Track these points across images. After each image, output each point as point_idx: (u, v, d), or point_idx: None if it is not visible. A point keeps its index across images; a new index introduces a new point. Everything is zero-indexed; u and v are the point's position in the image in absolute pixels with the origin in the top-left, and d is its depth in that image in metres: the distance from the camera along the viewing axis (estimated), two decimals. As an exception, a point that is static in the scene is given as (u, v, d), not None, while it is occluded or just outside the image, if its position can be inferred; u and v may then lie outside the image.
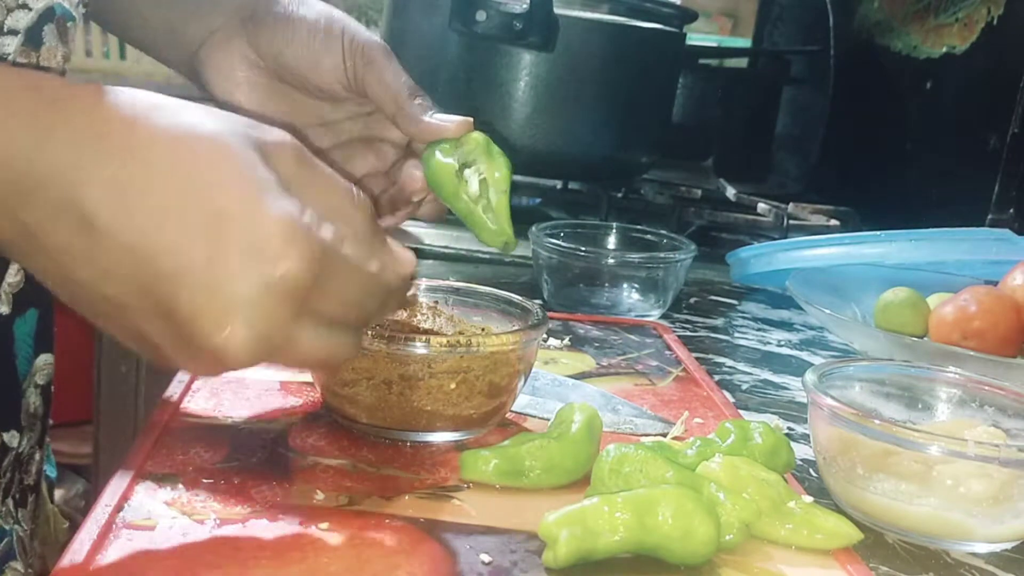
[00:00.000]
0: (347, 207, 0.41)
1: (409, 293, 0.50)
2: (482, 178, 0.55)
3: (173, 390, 0.56)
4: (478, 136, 0.56)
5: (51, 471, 0.68)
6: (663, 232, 0.91)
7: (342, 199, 0.41)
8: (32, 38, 0.53)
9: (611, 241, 0.90)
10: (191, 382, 0.57)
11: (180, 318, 0.36)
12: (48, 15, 0.54)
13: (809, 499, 0.48)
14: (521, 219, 1.05)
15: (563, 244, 0.82)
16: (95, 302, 0.38)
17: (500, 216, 0.56)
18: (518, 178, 1.21)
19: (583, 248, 0.82)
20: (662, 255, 0.84)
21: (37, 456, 0.63)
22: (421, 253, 0.97)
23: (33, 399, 0.61)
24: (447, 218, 0.59)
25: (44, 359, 0.62)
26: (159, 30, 0.63)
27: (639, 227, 0.91)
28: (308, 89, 0.59)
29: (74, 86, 0.38)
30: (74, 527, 0.41)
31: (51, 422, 0.65)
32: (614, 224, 0.91)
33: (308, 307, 0.38)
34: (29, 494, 0.62)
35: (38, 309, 0.60)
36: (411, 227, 1.01)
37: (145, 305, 0.37)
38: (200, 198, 0.36)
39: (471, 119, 0.56)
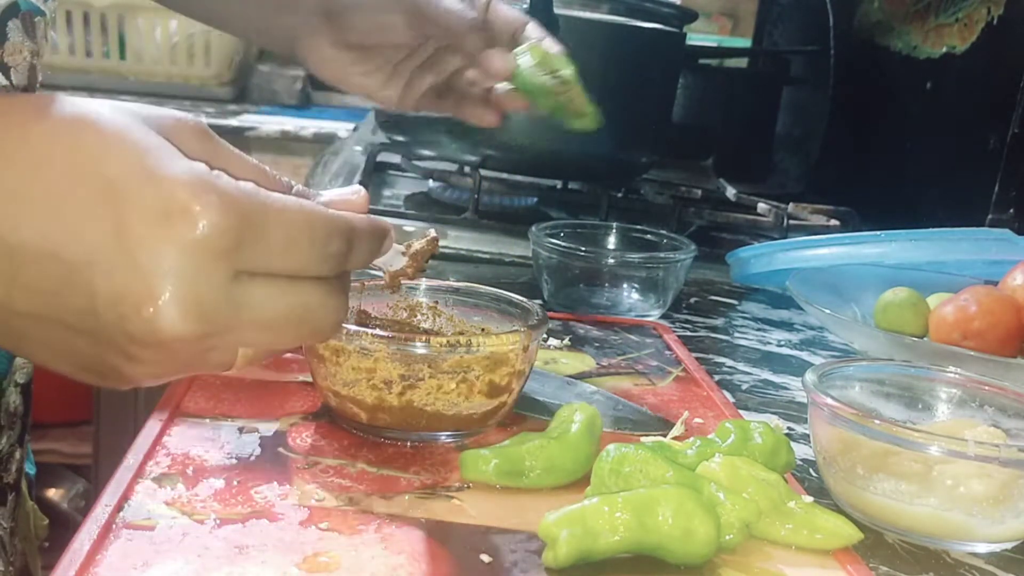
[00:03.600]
0: (260, 176, 0.38)
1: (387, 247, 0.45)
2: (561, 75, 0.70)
3: (173, 390, 0.56)
4: (541, 48, 0.70)
5: (30, 468, 0.69)
6: (663, 232, 0.90)
7: (255, 170, 0.38)
8: None
9: (611, 241, 0.90)
10: (191, 382, 0.57)
11: (102, 309, 0.33)
12: (12, 10, 0.53)
13: (809, 499, 0.48)
14: (521, 219, 1.06)
15: (563, 244, 0.82)
16: (13, 325, 0.34)
17: (581, 102, 0.71)
18: (518, 178, 1.21)
19: (583, 248, 0.82)
20: (662, 255, 0.83)
21: (17, 454, 0.63)
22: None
23: (13, 398, 0.61)
24: (449, 219, 0.59)
25: (23, 358, 0.62)
26: (249, 29, 0.75)
27: (639, 227, 0.90)
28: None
29: None
30: (74, 527, 0.41)
31: (31, 420, 0.65)
32: (614, 224, 0.91)
33: (248, 262, 0.34)
34: (9, 492, 0.62)
35: None
36: (411, 226, 1.01)
37: (63, 310, 0.34)
38: (90, 174, 0.33)
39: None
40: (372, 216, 0.42)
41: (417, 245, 0.52)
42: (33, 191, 0.33)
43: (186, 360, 0.35)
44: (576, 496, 0.47)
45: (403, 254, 0.51)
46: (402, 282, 0.52)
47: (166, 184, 0.33)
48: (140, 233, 0.32)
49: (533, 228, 0.84)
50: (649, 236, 0.89)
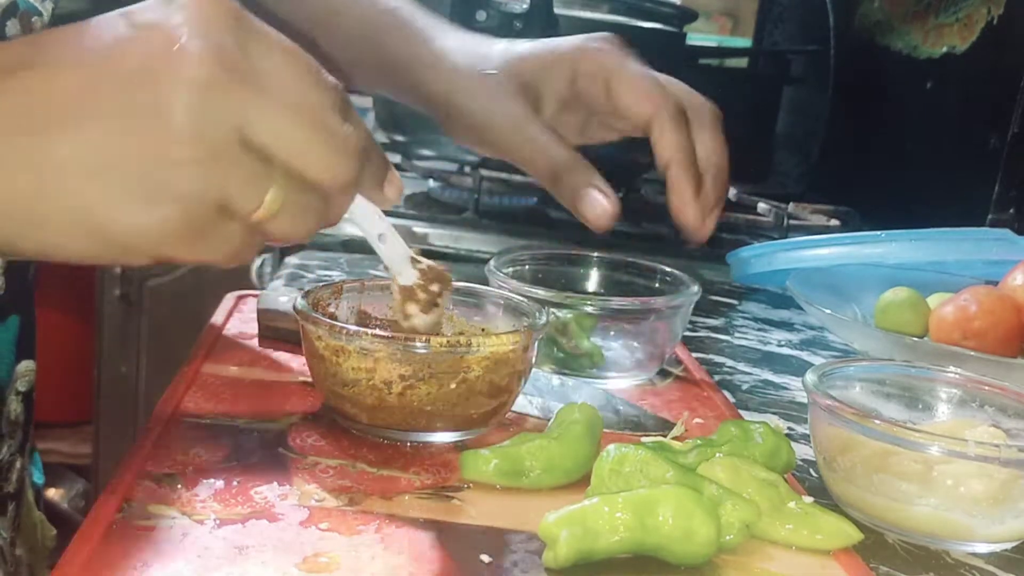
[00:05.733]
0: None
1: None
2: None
3: (173, 390, 0.56)
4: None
5: (38, 478, 0.68)
6: (658, 266, 0.71)
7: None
8: None
9: (592, 280, 0.72)
10: (191, 382, 0.57)
11: (134, 61, 0.36)
12: (11, 9, 0.53)
13: (809, 499, 0.48)
14: (521, 219, 1.06)
15: (525, 286, 0.63)
16: (52, 121, 0.36)
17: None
18: (518, 178, 1.21)
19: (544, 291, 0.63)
20: (654, 300, 0.64)
21: (18, 463, 0.62)
22: (422, 253, 0.97)
23: (14, 406, 0.60)
24: (450, 219, 0.60)
25: (25, 366, 0.61)
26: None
27: (629, 259, 0.72)
28: None
29: None
30: (74, 527, 0.41)
31: (32, 429, 0.64)
32: (595, 255, 0.73)
33: (251, 32, 0.37)
34: (9, 502, 0.61)
35: (19, 316, 0.59)
36: (411, 226, 1.01)
37: (102, 64, 0.36)
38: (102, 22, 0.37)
39: None
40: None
41: (427, 264, 0.52)
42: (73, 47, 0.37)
43: (221, 96, 0.36)
44: (576, 496, 0.47)
45: (414, 262, 0.51)
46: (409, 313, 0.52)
47: None
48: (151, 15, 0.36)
49: (492, 262, 0.68)
50: (638, 274, 0.71)
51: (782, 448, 0.51)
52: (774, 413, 0.65)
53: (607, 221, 0.56)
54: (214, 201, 0.36)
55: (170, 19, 0.36)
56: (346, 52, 0.69)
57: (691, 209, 0.56)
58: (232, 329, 0.67)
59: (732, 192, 1.30)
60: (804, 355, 0.79)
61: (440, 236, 1.00)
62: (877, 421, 0.48)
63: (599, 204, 0.56)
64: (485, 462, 0.48)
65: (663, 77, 0.62)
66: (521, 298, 0.59)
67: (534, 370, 0.57)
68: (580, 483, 0.49)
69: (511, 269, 0.69)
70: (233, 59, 0.36)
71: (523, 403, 0.58)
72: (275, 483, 0.46)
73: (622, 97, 0.57)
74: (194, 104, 0.35)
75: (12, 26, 0.53)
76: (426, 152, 1.17)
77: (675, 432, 0.56)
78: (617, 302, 0.64)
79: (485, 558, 0.42)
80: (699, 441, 0.51)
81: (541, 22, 0.99)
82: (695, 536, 0.42)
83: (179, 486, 0.45)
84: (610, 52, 0.59)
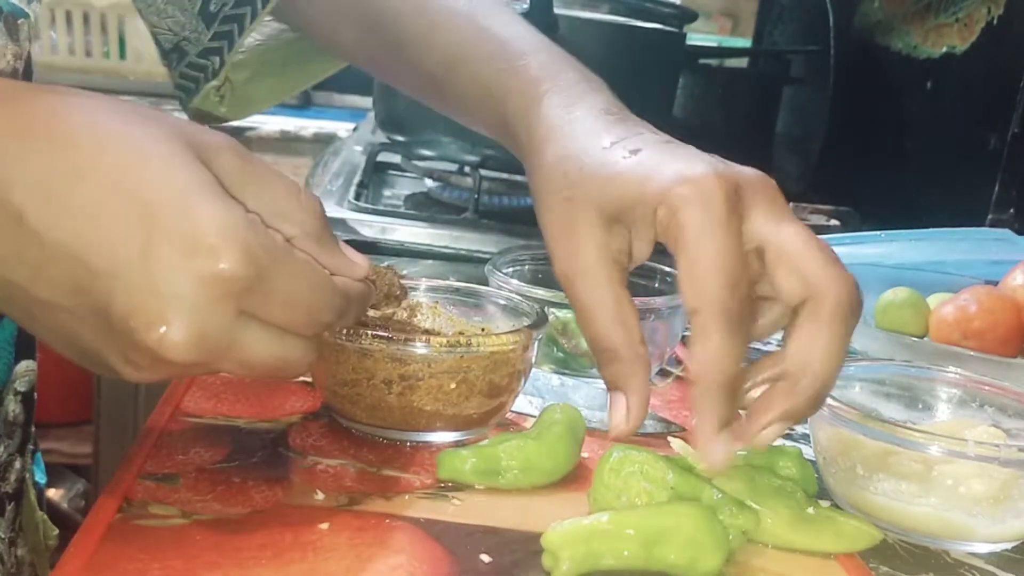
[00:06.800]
0: (293, 207, 0.40)
1: (385, 293, 0.50)
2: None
3: (173, 390, 0.56)
4: None
5: (40, 477, 0.68)
6: (658, 267, 0.68)
7: (288, 198, 0.40)
8: None
9: None
10: (191, 382, 0.57)
11: (115, 317, 0.35)
12: None
13: (826, 503, 0.47)
14: (521, 219, 1.05)
15: (525, 286, 0.62)
16: (28, 305, 0.37)
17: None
18: (518, 178, 1.21)
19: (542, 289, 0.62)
20: (654, 300, 0.63)
21: (17, 464, 0.62)
22: (422, 253, 0.97)
23: (12, 407, 0.60)
24: (450, 219, 0.58)
25: (25, 365, 0.61)
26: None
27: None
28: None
29: None
30: (74, 527, 0.41)
31: (34, 429, 0.64)
32: None
33: (252, 307, 0.37)
34: (7, 502, 0.61)
35: None
36: (411, 226, 1.01)
37: (79, 305, 0.36)
38: (131, 193, 0.35)
39: None
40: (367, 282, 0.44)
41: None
42: (73, 197, 0.35)
43: (173, 373, 0.38)
44: (577, 496, 0.47)
45: None
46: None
47: (200, 221, 0.35)
48: (165, 259, 0.35)
49: (492, 262, 0.67)
50: (639, 278, 0.68)
51: (809, 478, 0.50)
52: (774, 413, 0.65)
53: (617, 435, 0.47)
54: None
55: (173, 291, 0.35)
56: (457, 106, 0.62)
57: (773, 424, 0.47)
58: (232, 329, 0.67)
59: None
60: (804, 355, 0.79)
61: (440, 236, 1.00)
62: (877, 421, 0.48)
63: (619, 415, 0.47)
64: (462, 461, 0.48)
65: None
66: (521, 298, 0.59)
67: (534, 370, 0.57)
68: (581, 483, 0.49)
69: (511, 269, 0.69)
70: (208, 348, 0.36)
71: (523, 403, 0.58)
72: (275, 483, 0.46)
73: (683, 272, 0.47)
74: (153, 371, 0.37)
75: None
76: (426, 152, 1.16)
77: None
78: None
79: (485, 558, 0.42)
80: None
81: (541, 22, 0.99)
82: (699, 565, 0.42)
83: (179, 486, 0.45)
84: (693, 210, 0.45)
